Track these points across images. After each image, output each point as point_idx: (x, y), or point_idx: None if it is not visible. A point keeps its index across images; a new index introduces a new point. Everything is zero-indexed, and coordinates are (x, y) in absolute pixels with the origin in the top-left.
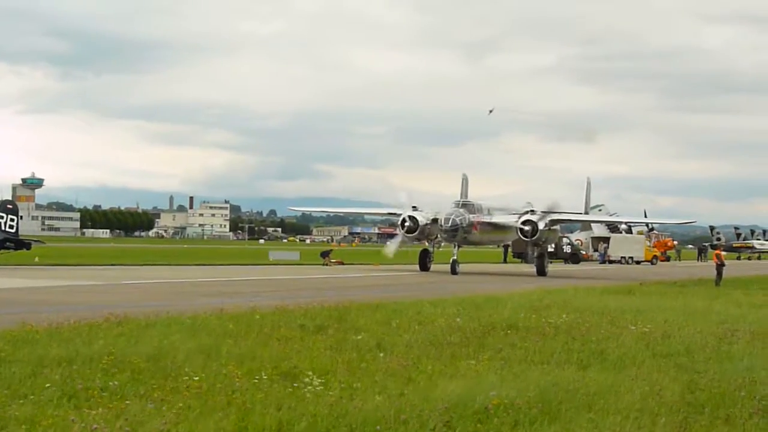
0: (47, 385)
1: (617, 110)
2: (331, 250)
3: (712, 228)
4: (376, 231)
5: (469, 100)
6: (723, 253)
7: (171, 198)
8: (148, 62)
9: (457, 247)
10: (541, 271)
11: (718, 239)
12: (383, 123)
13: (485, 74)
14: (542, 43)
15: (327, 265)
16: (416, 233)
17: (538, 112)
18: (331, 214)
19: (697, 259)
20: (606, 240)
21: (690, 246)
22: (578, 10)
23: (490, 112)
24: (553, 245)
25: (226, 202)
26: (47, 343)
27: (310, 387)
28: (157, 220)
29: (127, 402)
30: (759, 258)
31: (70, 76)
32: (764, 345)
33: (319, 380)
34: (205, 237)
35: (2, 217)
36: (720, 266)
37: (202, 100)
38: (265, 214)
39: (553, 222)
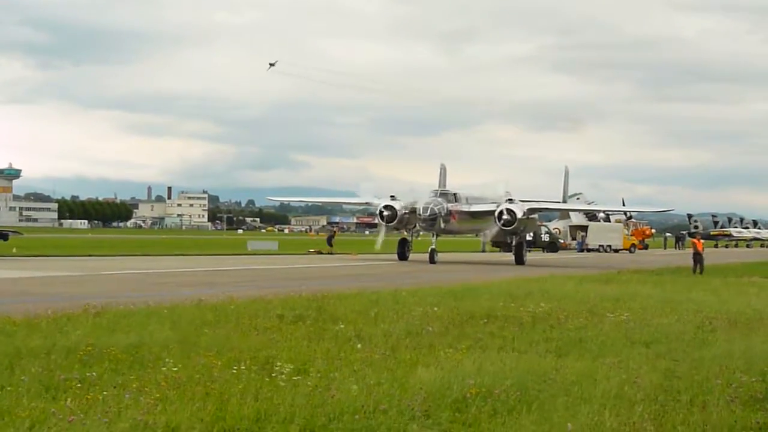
0: (24, 377)
1: (595, 99)
2: (335, 232)
3: (689, 216)
4: (355, 221)
5: (446, 90)
6: (702, 241)
7: (149, 188)
8: (126, 52)
9: (435, 236)
10: (520, 260)
11: (696, 227)
12: (360, 113)
13: (463, 64)
14: (519, 33)
15: (332, 253)
16: (394, 222)
17: (516, 102)
18: (309, 204)
19: (675, 247)
20: (584, 228)
21: (668, 234)
22: (555, 1)
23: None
24: (531, 234)
25: (204, 192)
26: (25, 334)
27: (287, 377)
28: (135, 210)
29: (105, 393)
30: (736, 246)
31: (48, 66)
32: (741, 333)
33: (297, 370)
34: (184, 227)
35: None
36: (696, 255)
37: (180, 91)
38: (243, 204)
39: (532, 211)
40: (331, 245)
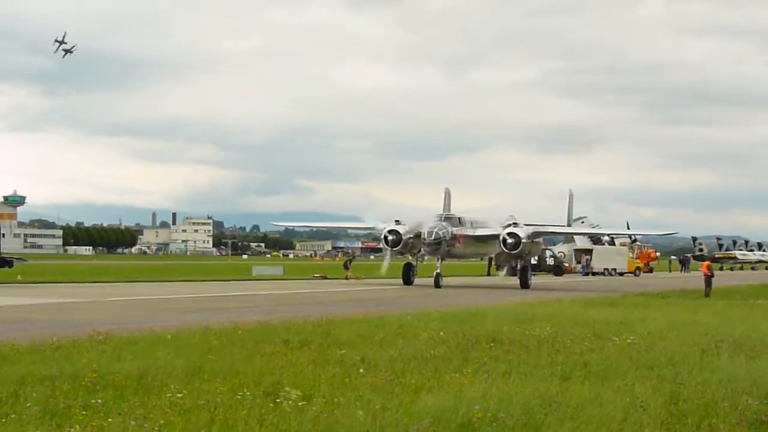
0: (29, 404)
1: (601, 123)
2: (353, 257)
3: (694, 239)
4: (360, 245)
5: (451, 114)
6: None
7: (154, 214)
8: (131, 79)
9: (440, 260)
10: (525, 284)
11: (701, 250)
12: (365, 138)
13: (468, 89)
14: (525, 58)
15: (347, 278)
16: (399, 247)
17: (522, 126)
18: (314, 229)
19: (680, 270)
20: (589, 252)
21: (672, 257)
22: (561, 25)
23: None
24: (536, 258)
25: (209, 217)
26: (30, 361)
27: (292, 402)
28: (140, 236)
29: (110, 419)
30: (741, 268)
31: (53, 94)
32: (747, 356)
33: (303, 395)
34: (188, 253)
35: None
36: (709, 277)
37: (185, 117)
38: (248, 230)
39: (536, 234)
40: (347, 269)
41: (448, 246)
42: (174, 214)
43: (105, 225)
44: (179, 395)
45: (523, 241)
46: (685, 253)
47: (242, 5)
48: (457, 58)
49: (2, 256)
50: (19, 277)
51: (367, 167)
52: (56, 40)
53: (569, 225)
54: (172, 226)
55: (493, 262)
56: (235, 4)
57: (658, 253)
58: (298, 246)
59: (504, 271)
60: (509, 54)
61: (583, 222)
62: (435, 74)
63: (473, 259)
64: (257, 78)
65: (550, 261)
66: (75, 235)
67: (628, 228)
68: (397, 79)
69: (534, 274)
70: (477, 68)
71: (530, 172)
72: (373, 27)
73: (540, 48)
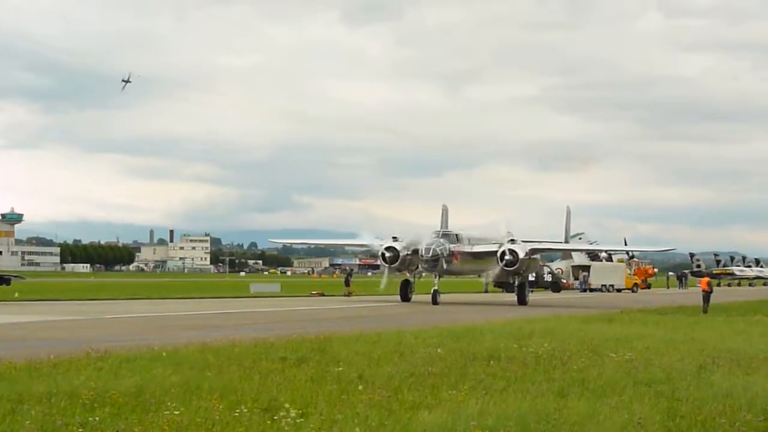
0: (27, 421)
1: (598, 139)
2: (351, 272)
3: (692, 255)
4: (357, 262)
5: (449, 131)
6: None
7: (151, 232)
8: (129, 96)
9: (437, 277)
10: (523, 301)
11: (698, 266)
12: (364, 154)
13: (466, 105)
14: (523, 74)
15: (348, 295)
16: (397, 264)
17: (520, 142)
18: (312, 246)
19: (678, 287)
20: (586, 268)
21: (670, 273)
22: (558, 41)
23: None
24: (533, 274)
25: (207, 235)
26: (27, 379)
27: (290, 420)
28: (137, 253)
29: None
30: (739, 284)
31: (51, 111)
32: (744, 372)
33: (300, 413)
34: (186, 270)
35: None
36: (708, 293)
37: (183, 134)
38: (245, 247)
39: (534, 251)
40: (348, 285)
41: (446, 263)
42: (171, 232)
43: (102, 242)
44: (177, 413)
45: (521, 257)
46: (683, 269)
47: (241, 22)
48: (456, 74)
49: (0, 273)
50: (16, 295)
51: (366, 184)
52: (123, 80)
53: (567, 241)
54: (170, 244)
55: (490, 279)
56: (234, 21)
57: (655, 270)
58: (295, 263)
59: (490, 278)
60: (507, 70)
61: (580, 238)
62: (433, 90)
63: (471, 276)
64: (255, 95)
65: (548, 277)
66: (72, 252)
67: (626, 244)
68: (394, 95)
69: (532, 291)
70: (475, 84)
71: (528, 188)
72: (370, 43)
73: (538, 64)
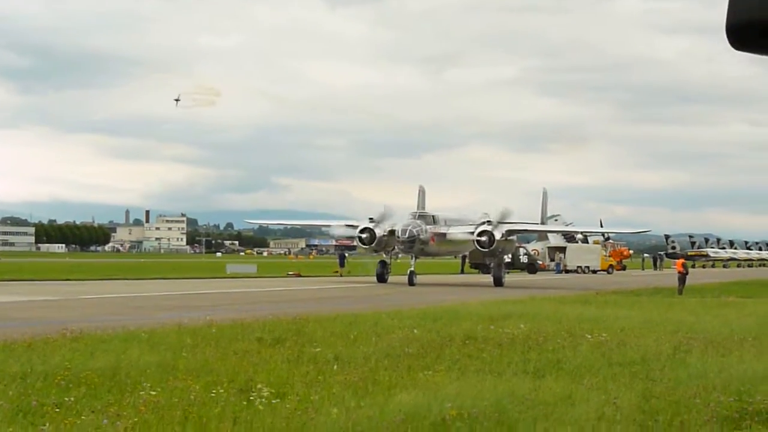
0: (1, 402)
1: (577, 121)
2: (345, 252)
3: (667, 237)
4: (334, 243)
5: (428, 113)
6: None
7: (127, 212)
8: (108, 76)
9: (414, 258)
10: (499, 282)
11: (674, 248)
12: (342, 136)
13: (446, 88)
14: (503, 57)
15: (342, 275)
16: (373, 245)
17: (499, 124)
18: (288, 227)
19: (654, 268)
20: (562, 250)
21: (646, 255)
22: (538, 24)
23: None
24: (510, 255)
25: (183, 215)
26: (1, 359)
27: (266, 400)
28: (113, 234)
29: (83, 417)
30: (713, 266)
31: (29, 91)
32: (718, 352)
33: (276, 393)
34: (162, 251)
35: None
36: (683, 275)
37: (162, 115)
38: (222, 227)
39: (510, 232)
40: (343, 266)
41: (422, 244)
42: (147, 212)
43: (78, 223)
44: (152, 393)
45: (497, 239)
46: (658, 251)
47: (224, 2)
48: (436, 57)
49: None
50: None
51: (344, 165)
52: (175, 99)
53: (543, 223)
54: (146, 224)
55: (467, 260)
56: (217, 1)
57: (631, 251)
58: (272, 244)
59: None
60: (488, 53)
61: (556, 220)
62: (413, 72)
63: (447, 257)
64: (235, 75)
65: (524, 259)
66: (48, 232)
67: (602, 226)
68: (375, 77)
69: (508, 272)
70: (455, 66)
71: (506, 170)
72: (352, 25)
73: (519, 47)
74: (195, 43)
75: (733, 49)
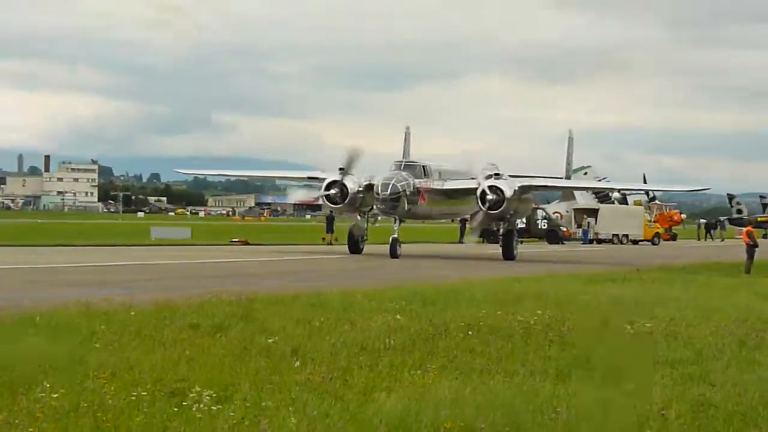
0: None
1: (612, 44)
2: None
3: (730, 197)
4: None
5: (418, 30)
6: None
7: (20, 157)
8: None
9: (398, 222)
10: (509, 254)
11: (739, 212)
12: (303, 59)
13: None
14: None
15: (331, 243)
16: (344, 204)
17: (511, 46)
18: (233, 179)
19: (705, 238)
20: (593, 213)
21: (702, 220)
22: None
23: None
24: (524, 220)
25: (94, 162)
26: None
27: (204, 406)
28: (1, 186)
29: None
30: None
31: None
32: None
33: (218, 397)
34: (67, 209)
35: None
36: (751, 247)
37: (62, 28)
38: (145, 179)
39: (525, 189)
40: (332, 231)
41: (409, 203)
42: (47, 158)
43: None
44: (54, 395)
45: (508, 197)
46: (718, 216)
47: None
48: None
49: None
50: None
51: (306, 98)
52: None
53: (568, 177)
54: (45, 174)
55: (468, 225)
56: None
57: (683, 216)
58: (211, 201)
59: (476, 235)
60: None
61: (586, 173)
62: None
63: (442, 221)
64: None
65: (543, 224)
66: None
67: (645, 182)
68: None
69: (521, 242)
70: None
71: (519, 107)
72: None
73: None
74: None
75: None
